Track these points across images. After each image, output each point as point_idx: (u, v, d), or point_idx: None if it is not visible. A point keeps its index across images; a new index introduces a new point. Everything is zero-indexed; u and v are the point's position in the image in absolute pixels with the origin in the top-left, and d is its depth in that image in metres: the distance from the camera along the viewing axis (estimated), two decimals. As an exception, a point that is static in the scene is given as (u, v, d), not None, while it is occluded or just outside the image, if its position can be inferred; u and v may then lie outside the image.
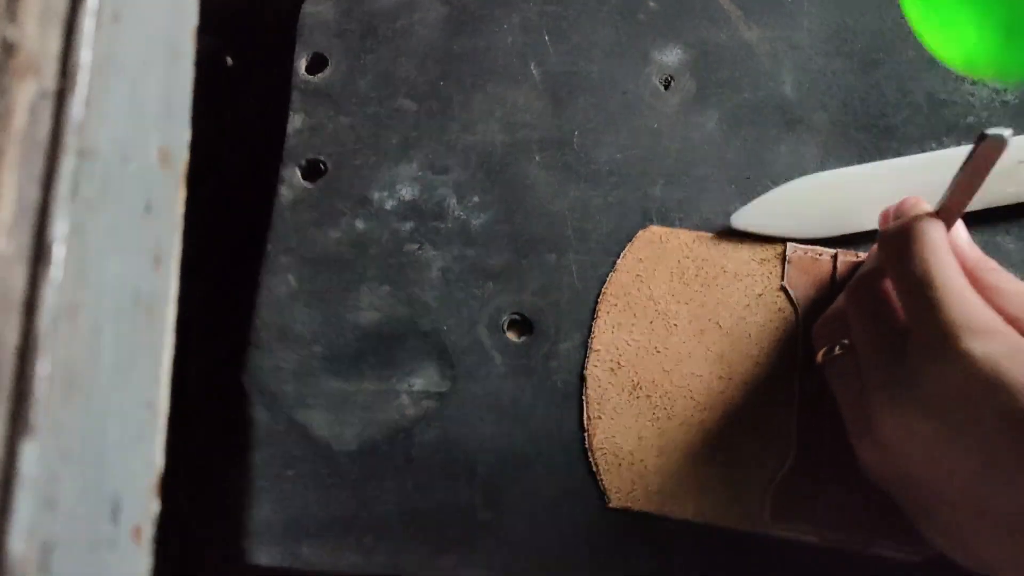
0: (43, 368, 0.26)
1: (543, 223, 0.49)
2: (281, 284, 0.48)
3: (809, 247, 0.47)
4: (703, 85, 0.51)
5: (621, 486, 0.44)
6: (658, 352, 0.46)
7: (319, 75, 0.53)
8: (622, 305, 0.47)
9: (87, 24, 0.28)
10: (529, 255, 0.49)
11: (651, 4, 0.53)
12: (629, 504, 0.44)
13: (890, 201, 0.43)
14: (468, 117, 0.52)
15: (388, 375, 0.47)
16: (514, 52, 0.53)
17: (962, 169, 0.37)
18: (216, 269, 0.51)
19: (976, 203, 0.41)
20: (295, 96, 0.53)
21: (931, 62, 0.49)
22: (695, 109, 0.51)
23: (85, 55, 0.28)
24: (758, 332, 0.46)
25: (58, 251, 0.27)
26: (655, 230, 0.48)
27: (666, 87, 0.51)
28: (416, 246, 0.49)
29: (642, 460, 0.44)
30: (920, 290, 0.37)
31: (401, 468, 0.45)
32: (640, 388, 0.45)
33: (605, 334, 0.46)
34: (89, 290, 0.28)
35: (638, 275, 0.47)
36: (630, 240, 0.48)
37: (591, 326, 0.47)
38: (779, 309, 0.46)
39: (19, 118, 0.27)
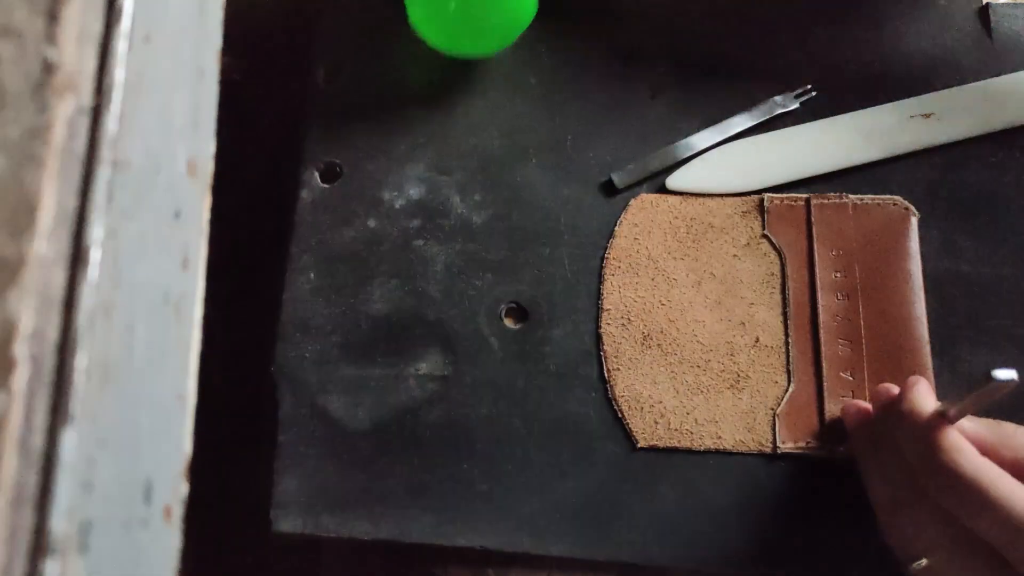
0: (81, 362, 0.25)
1: (538, 219, 0.49)
2: (303, 281, 0.48)
3: (784, 195, 0.48)
4: (687, 93, 0.51)
5: (645, 428, 0.44)
6: (662, 305, 0.46)
7: (335, 83, 0.53)
8: (624, 267, 0.47)
9: (121, 46, 0.28)
10: (525, 249, 0.48)
11: (641, 26, 0.53)
12: (655, 443, 0.44)
13: (799, 157, 0.48)
14: (470, 122, 0.51)
15: (397, 361, 0.46)
16: (514, 63, 0.52)
17: (970, 398, 0.35)
18: (240, 270, 0.50)
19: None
20: (312, 104, 0.52)
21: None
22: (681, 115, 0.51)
23: (119, 74, 0.28)
24: (748, 277, 0.47)
25: (94, 254, 0.26)
26: (645, 197, 0.49)
27: (652, 97, 0.51)
28: (422, 242, 0.48)
29: (660, 402, 0.45)
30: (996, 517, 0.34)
31: (408, 445, 0.45)
32: (650, 338, 0.46)
33: (612, 294, 0.47)
34: (123, 290, 0.28)
35: (636, 238, 0.48)
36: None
37: (599, 289, 0.47)
38: (764, 254, 0.47)
39: (58, 132, 0.26)
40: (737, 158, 0.48)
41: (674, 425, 0.44)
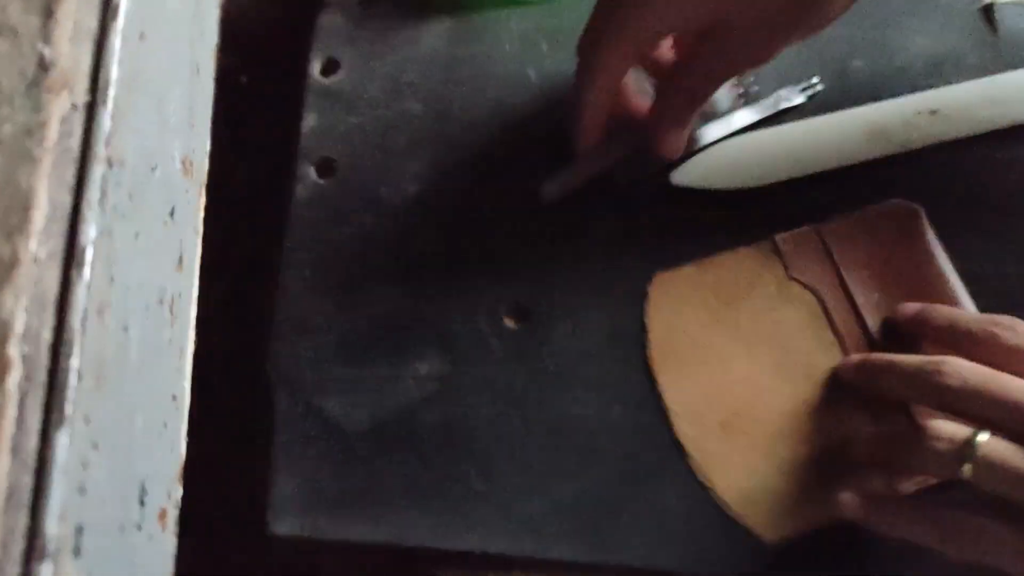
0: (74, 362, 0.26)
1: (539, 218, 0.49)
2: (298, 278, 0.48)
3: (790, 232, 0.47)
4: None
5: (768, 522, 0.42)
6: (725, 387, 0.44)
7: (332, 78, 0.53)
8: (671, 360, 0.45)
9: (116, 43, 0.28)
10: (525, 247, 0.48)
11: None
12: (785, 533, 0.42)
13: (805, 153, 0.47)
14: (469, 118, 0.51)
15: (395, 361, 0.46)
16: (513, 58, 0.52)
17: None
18: (234, 267, 0.50)
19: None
20: (309, 98, 0.52)
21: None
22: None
23: (114, 71, 0.28)
24: (793, 326, 0.45)
25: (88, 253, 0.26)
26: (660, 277, 0.46)
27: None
28: (421, 240, 0.48)
29: (770, 489, 0.42)
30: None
31: (406, 446, 0.45)
32: (730, 426, 0.43)
33: (674, 394, 0.44)
34: (117, 290, 0.28)
35: (669, 324, 0.45)
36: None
37: (653, 389, 0.45)
38: (798, 297, 0.45)
39: (52, 130, 0.26)
40: (742, 153, 0.48)
41: (794, 507, 0.42)
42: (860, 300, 0.45)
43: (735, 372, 0.44)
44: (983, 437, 0.36)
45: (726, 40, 0.41)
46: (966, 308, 0.44)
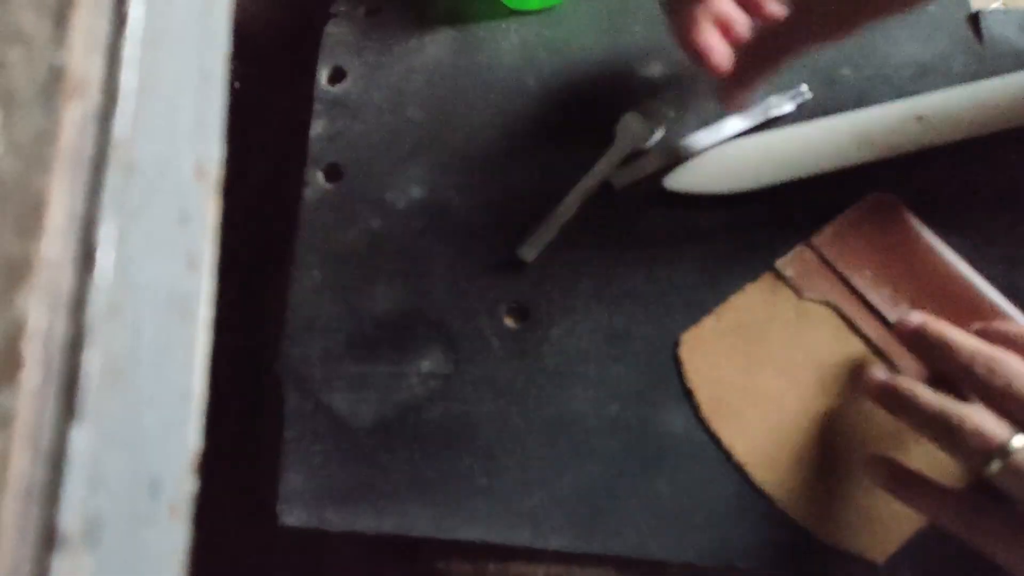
0: (89, 360, 0.25)
1: (538, 221, 0.49)
2: (308, 279, 0.48)
3: (785, 258, 0.46)
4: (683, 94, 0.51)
5: (874, 544, 0.41)
6: (784, 423, 0.43)
7: (338, 86, 0.53)
8: (725, 413, 0.44)
9: (129, 50, 0.28)
10: (525, 246, 0.48)
11: (636, 28, 0.53)
12: (891, 549, 0.41)
13: (795, 157, 0.47)
14: (471, 125, 0.51)
15: (400, 359, 0.46)
16: (513, 68, 0.52)
17: None
18: (246, 270, 0.50)
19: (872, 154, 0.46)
20: (317, 105, 0.52)
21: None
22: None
23: (127, 78, 0.28)
24: (821, 344, 0.44)
25: (103, 256, 0.26)
26: (685, 337, 0.45)
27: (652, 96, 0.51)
28: (424, 242, 0.48)
29: (864, 510, 0.42)
30: None
31: (411, 441, 0.45)
32: (804, 463, 0.43)
33: (741, 447, 0.43)
34: (131, 291, 0.28)
35: (712, 382, 0.45)
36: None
37: (719, 446, 0.44)
38: (816, 315, 0.45)
39: (67, 136, 0.26)
40: (734, 158, 0.48)
41: (891, 520, 0.41)
42: (874, 300, 0.45)
43: (788, 406, 0.44)
44: (1019, 443, 0.34)
45: (812, 11, 0.40)
46: (970, 279, 0.44)
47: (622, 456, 0.44)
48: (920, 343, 0.40)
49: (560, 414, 0.45)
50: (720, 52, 0.43)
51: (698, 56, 0.43)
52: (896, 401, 0.39)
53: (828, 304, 0.45)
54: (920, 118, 0.48)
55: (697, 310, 0.46)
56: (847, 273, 0.45)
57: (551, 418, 0.45)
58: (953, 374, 0.39)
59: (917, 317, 0.41)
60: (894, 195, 0.47)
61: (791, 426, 0.43)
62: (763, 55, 0.43)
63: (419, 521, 0.44)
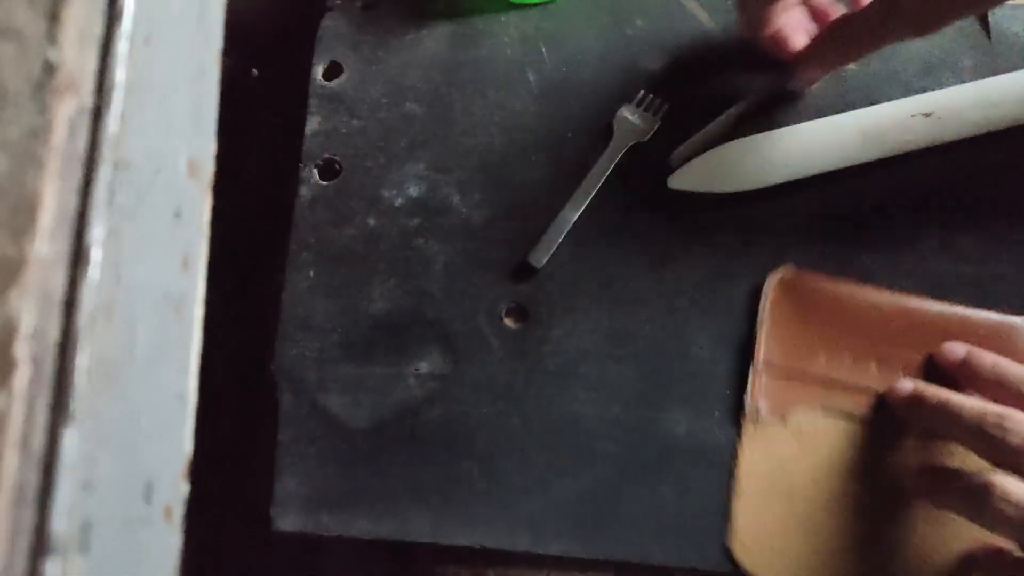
0: (82, 362, 0.25)
1: (539, 218, 0.48)
2: (303, 279, 0.48)
3: (745, 400, 0.44)
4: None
5: None
6: (825, 502, 0.43)
7: (334, 81, 0.53)
8: (766, 519, 0.43)
9: (121, 46, 0.28)
10: (525, 247, 0.48)
11: (637, 21, 0.52)
12: None
13: (801, 156, 0.47)
14: (470, 121, 0.51)
15: (397, 360, 0.46)
16: (513, 62, 0.52)
17: None
18: (239, 268, 0.50)
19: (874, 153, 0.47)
20: (312, 101, 0.52)
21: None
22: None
23: (120, 75, 0.28)
24: (835, 453, 0.43)
25: (95, 254, 0.26)
26: (735, 544, 0.43)
27: (652, 93, 0.51)
28: (422, 240, 0.48)
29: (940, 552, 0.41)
30: None
31: (408, 444, 0.45)
32: (866, 517, 0.42)
33: (791, 556, 0.42)
34: (123, 290, 0.27)
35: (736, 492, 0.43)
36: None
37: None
38: (811, 430, 0.44)
39: (59, 133, 0.26)
40: (737, 157, 0.48)
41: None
42: (843, 376, 0.44)
43: (821, 475, 0.43)
44: None
45: (904, 3, 0.39)
46: (917, 305, 0.44)
47: (624, 459, 0.44)
48: (919, 411, 0.40)
49: (561, 416, 0.45)
50: (796, 41, 0.45)
51: (775, 44, 0.45)
52: (926, 406, 0.39)
53: (813, 408, 0.44)
54: (928, 115, 0.48)
55: (700, 310, 0.46)
56: (803, 367, 0.44)
57: (551, 420, 0.45)
58: (959, 437, 0.38)
59: (906, 385, 0.41)
60: (791, 266, 0.46)
61: (829, 510, 0.42)
62: (849, 41, 0.43)
63: (417, 526, 0.44)
